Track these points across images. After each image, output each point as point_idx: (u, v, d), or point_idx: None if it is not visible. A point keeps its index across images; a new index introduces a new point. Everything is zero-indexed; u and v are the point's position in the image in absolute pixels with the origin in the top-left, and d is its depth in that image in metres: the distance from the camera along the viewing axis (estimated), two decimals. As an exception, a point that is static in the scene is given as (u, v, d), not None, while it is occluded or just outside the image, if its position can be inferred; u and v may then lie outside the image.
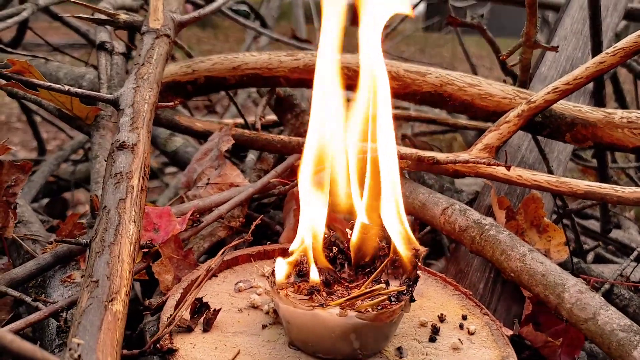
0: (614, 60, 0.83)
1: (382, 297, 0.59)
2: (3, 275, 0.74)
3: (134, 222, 0.61)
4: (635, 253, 0.96)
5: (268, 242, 0.85)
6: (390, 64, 1.01)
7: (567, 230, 1.13)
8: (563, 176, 1.10)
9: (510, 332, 0.70)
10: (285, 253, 0.83)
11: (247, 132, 1.01)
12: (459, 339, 0.67)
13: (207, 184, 0.94)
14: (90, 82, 1.15)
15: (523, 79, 1.03)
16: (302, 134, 1.09)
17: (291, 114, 1.12)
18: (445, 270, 0.93)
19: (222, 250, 0.73)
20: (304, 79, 1.05)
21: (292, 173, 0.98)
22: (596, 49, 1.11)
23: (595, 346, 0.92)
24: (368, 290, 0.59)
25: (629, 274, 1.04)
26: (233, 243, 0.74)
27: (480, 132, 1.59)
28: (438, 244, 1.28)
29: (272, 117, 1.34)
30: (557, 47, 0.95)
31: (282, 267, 0.64)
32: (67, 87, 0.75)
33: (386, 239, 0.67)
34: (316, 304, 0.59)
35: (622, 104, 1.75)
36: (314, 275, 0.63)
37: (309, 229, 0.66)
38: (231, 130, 0.96)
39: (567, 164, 1.12)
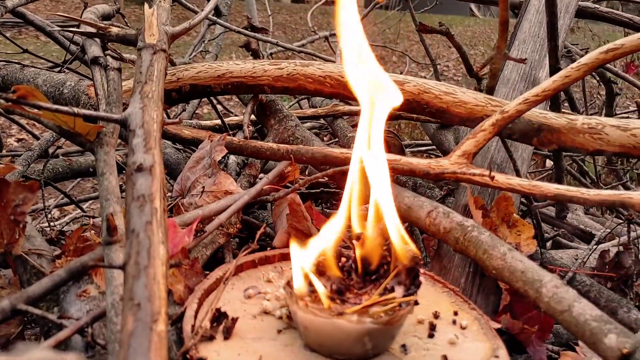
0: (577, 74, 0.92)
1: (393, 304, 0.66)
2: (20, 293, 0.77)
3: (162, 243, 0.65)
4: (593, 242, 1.07)
5: (268, 248, 0.90)
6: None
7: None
8: (526, 171, 1.20)
9: (497, 325, 0.78)
10: (285, 257, 0.90)
11: (236, 140, 1.05)
12: (455, 335, 0.75)
13: (203, 192, 0.98)
14: (71, 89, 1.16)
15: (492, 84, 1.11)
16: (286, 139, 1.14)
17: (274, 119, 1.17)
18: (430, 268, 1.01)
19: (235, 260, 0.78)
20: (287, 87, 1.10)
21: (281, 179, 1.03)
22: (553, 51, 1.21)
23: (560, 327, 1.03)
24: (382, 298, 0.66)
25: (585, 260, 1.16)
26: (245, 252, 0.79)
27: (441, 125, 1.67)
28: (411, 233, 1.36)
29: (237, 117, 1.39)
30: (525, 59, 1.04)
31: (298, 278, 0.70)
32: (74, 109, 0.78)
33: (388, 248, 0.74)
34: (335, 313, 0.66)
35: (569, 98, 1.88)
36: (320, 289, 0.69)
37: (322, 241, 0.72)
38: (224, 139, 1.01)
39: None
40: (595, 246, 1.22)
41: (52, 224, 2.02)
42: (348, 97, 1.09)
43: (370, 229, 0.74)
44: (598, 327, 0.74)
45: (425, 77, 1.76)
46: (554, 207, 1.56)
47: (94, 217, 1.77)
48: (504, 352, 0.73)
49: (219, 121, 1.36)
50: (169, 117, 1.67)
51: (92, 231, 1.01)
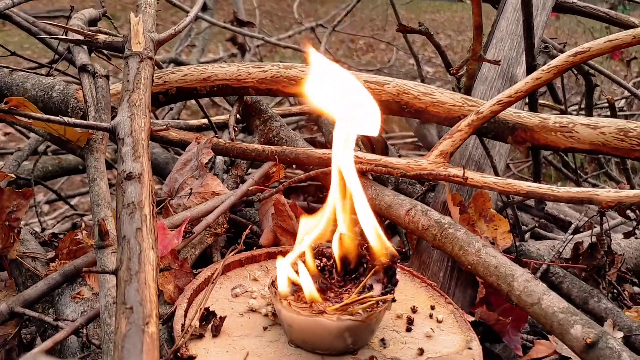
0: (548, 76, 0.96)
1: (371, 302, 0.70)
2: (17, 297, 0.80)
3: (152, 248, 0.69)
4: (568, 233, 1.11)
5: (254, 247, 0.94)
6: (352, 74, 1.10)
7: (509, 215, 1.28)
8: (504, 167, 1.25)
9: (471, 318, 0.83)
10: (271, 256, 0.94)
11: (222, 141, 1.08)
12: (431, 328, 0.79)
13: (191, 193, 1.02)
14: (60, 93, 1.18)
15: (468, 84, 1.15)
16: (271, 139, 1.18)
17: (259, 120, 1.20)
18: (410, 264, 1.05)
19: (222, 262, 0.82)
20: (271, 88, 1.13)
21: (267, 179, 1.07)
22: (529, 49, 1.25)
23: (535, 318, 1.08)
24: (360, 297, 0.70)
25: (561, 250, 1.20)
26: (231, 254, 0.83)
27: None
28: (393, 228, 1.40)
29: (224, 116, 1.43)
30: (499, 61, 1.08)
31: (282, 278, 0.74)
32: (65, 119, 0.81)
33: (367, 247, 0.78)
34: (316, 311, 0.70)
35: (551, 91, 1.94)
36: (307, 288, 0.73)
37: (303, 242, 0.76)
38: (210, 142, 1.04)
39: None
40: (570, 236, 1.26)
41: (42, 219, 2.06)
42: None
43: (349, 229, 0.78)
44: (565, 318, 0.79)
45: (414, 65, 1.79)
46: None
47: (83, 215, 1.80)
48: (476, 343, 0.78)
49: (205, 120, 1.39)
50: (156, 118, 1.70)
51: (85, 231, 1.04)
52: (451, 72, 1.09)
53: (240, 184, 1.11)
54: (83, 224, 0.92)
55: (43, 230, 1.66)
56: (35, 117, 0.81)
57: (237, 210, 1.21)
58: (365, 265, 0.77)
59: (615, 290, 1.20)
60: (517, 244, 1.12)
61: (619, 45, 0.91)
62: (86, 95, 0.95)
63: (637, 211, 0.99)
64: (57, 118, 0.81)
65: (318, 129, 1.79)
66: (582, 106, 2.03)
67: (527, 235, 1.39)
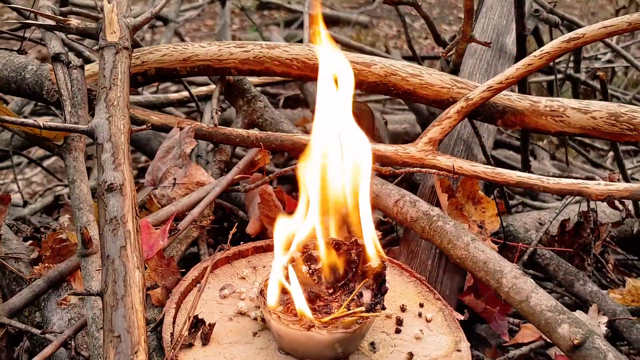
0: (540, 62, 0.93)
1: (361, 314, 0.70)
2: (2, 306, 0.79)
3: (138, 268, 0.67)
4: (561, 206, 1.12)
5: (241, 242, 0.93)
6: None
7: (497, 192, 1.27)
8: (492, 144, 1.23)
9: (460, 317, 0.83)
10: (258, 250, 0.93)
11: (205, 126, 1.05)
12: (420, 329, 0.80)
13: (174, 183, 1.00)
14: (33, 74, 1.13)
15: (458, 61, 1.12)
16: (255, 120, 1.15)
17: (243, 100, 1.16)
18: (399, 252, 1.05)
19: (209, 265, 0.81)
20: (254, 69, 1.09)
21: (252, 166, 1.05)
22: (520, 18, 1.21)
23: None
24: (351, 311, 0.69)
25: (548, 227, 1.20)
26: (217, 256, 0.82)
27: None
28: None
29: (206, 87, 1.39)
30: (490, 43, 1.04)
31: (271, 289, 0.73)
32: (41, 123, 0.77)
33: (357, 252, 0.77)
34: (306, 325, 0.70)
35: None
36: (297, 303, 0.72)
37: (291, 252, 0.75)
38: (193, 130, 1.01)
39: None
40: (561, 206, 1.25)
41: (21, 183, 2.02)
42: (315, 79, 1.09)
43: (338, 234, 0.77)
44: (552, 317, 0.79)
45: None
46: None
47: (66, 186, 1.76)
48: (465, 344, 0.79)
49: (186, 93, 1.35)
50: (138, 94, 1.64)
51: (66, 223, 1.02)
52: (441, 55, 1.06)
53: (226, 171, 1.09)
54: (65, 223, 0.90)
55: (25, 204, 1.63)
56: (9, 121, 0.77)
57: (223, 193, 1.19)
58: (354, 270, 0.77)
59: (599, 264, 1.22)
60: (505, 224, 1.12)
61: (614, 32, 0.88)
62: (61, 87, 0.91)
63: (625, 203, 0.99)
64: (32, 121, 0.77)
65: (303, 95, 1.74)
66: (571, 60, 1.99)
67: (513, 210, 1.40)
